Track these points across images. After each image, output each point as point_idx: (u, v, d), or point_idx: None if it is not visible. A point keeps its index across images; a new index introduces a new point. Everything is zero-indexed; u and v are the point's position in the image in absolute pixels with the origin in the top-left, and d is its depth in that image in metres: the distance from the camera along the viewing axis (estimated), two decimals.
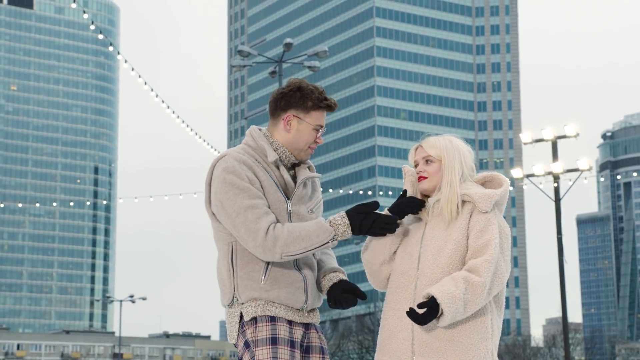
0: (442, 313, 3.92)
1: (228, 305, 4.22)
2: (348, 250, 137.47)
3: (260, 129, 4.30)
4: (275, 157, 4.18)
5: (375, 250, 4.23)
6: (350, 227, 4.12)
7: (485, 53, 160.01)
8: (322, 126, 4.27)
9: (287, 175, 4.22)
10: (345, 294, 4.21)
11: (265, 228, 4.05)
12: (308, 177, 4.26)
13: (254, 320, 4.12)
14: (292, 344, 4.12)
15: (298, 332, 4.18)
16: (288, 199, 4.20)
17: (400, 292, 4.13)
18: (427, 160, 4.23)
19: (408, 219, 4.29)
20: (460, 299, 3.92)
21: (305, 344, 4.21)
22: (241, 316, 4.18)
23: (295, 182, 4.26)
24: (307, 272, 4.21)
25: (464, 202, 4.16)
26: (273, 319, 4.11)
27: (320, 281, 4.29)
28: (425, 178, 4.22)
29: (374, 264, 4.25)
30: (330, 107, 4.27)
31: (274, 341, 4.07)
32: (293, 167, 4.32)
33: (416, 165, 4.27)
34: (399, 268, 4.17)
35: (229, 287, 4.19)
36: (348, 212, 4.15)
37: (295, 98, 4.23)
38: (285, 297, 4.12)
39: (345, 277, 4.31)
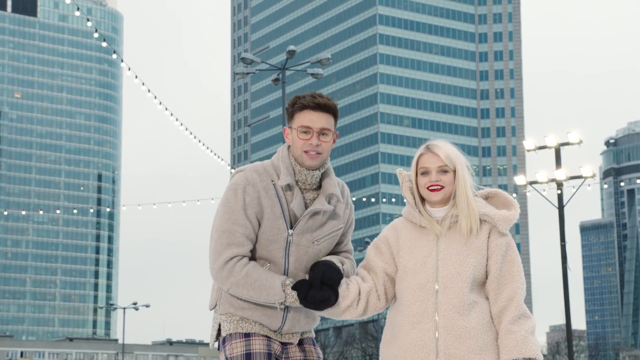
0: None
1: (211, 309, 4.27)
2: None
3: (288, 148, 4.19)
4: (287, 182, 4.08)
5: (376, 308, 4.20)
6: (298, 301, 4.02)
7: (488, 60, 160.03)
8: (308, 127, 4.08)
9: (298, 204, 4.10)
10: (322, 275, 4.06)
11: (229, 257, 4.04)
12: (317, 210, 4.12)
13: (230, 335, 4.12)
14: (269, 356, 4.08)
15: (275, 347, 4.14)
16: (292, 228, 4.11)
17: (419, 306, 4.02)
18: (442, 170, 4.08)
19: (396, 232, 4.18)
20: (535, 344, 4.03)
21: (283, 357, 4.16)
22: (219, 328, 4.20)
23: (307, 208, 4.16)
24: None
25: (481, 220, 4.09)
26: (247, 335, 4.09)
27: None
28: (441, 188, 4.08)
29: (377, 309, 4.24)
30: (313, 106, 4.09)
31: (248, 357, 4.05)
32: (320, 187, 4.19)
33: (423, 173, 4.11)
34: (415, 281, 4.05)
35: (215, 294, 4.24)
36: (304, 296, 4.02)
37: (288, 112, 4.16)
38: (259, 317, 4.09)
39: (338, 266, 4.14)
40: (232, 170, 4.33)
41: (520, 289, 4.04)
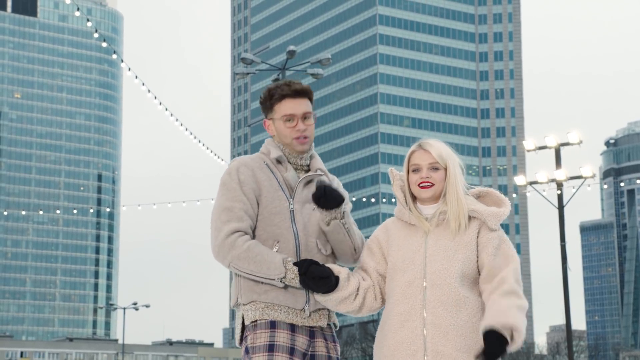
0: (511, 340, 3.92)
1: (234, 307, 4.27)
2: None
3: (272, 139, 4.34)
4: (278, 154, 4.22)
5: (370, 309, 4.19)
6: (298, 278, 4.04)
7: (488, 60, 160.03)
8: (292, 115, 4.22)
9: (292, 175, 4.23)
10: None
11: (229, 231, 4.09)
12: (308, 177, 4.24)
13: (254, 325, 4.11)
14: (291, 351, 4.07)
15: (301, 340, 4.12)
16: (291, 198, 4.20)
17: (407, 303, 4.01)
18: (433, 167, 4.09)
19: (389, 230, 4.19)
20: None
21: (310, 353, 4.15)
22: (243, 320, 4.18)
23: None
24: None
25: (471, 217, 4.07)
26: (273, 325, 4.08)
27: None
28: (432, 185, 4.09)
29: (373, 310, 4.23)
30: (292, 93, 4.23)
31: (271, 348, 4.04)
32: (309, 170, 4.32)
33: (414, 170, 4.13)
34: (403, 279, 4.04)
35: (235, 289, 4.23)
36: (304, 271, 4.04)
37: (264, 105, 4.30)
38: (284, 298, 4.09)
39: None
40: None
41: (512, 273, 3.99)
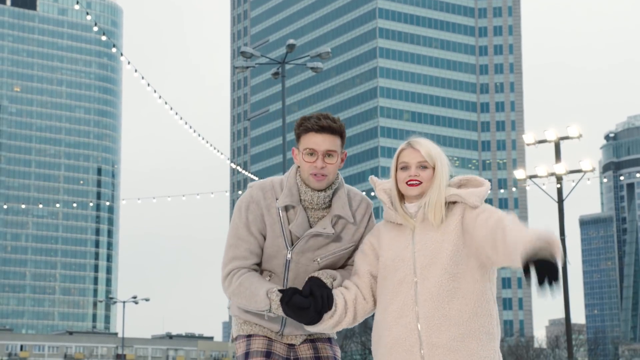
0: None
1: (229, 312, 4.49)
2: None
3: (297, 169, 4.23)
4: (285, 203, 4.13)
5: (365, 313, 4.21)
6: (281, 309, 4.04)
7: (488, 54, 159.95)
8: (313, 149, 4.10)
9: (299, 223, 4.15)
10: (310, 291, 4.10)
11: (229, 270, 4.18)
12: (317, 233, 4.16)
13: (236, 338, 4.33)
14: (268, 354, 4.21)
15: (280, 347, 4.26)
16: (292, 246, 4.18)
17: (400, 299, 4.03)
18: (422, 166, 4.10)
19: (384, 230, 4.20)
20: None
21: (292, 357, 4.27)
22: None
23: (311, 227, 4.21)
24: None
25: (454, 202, 4.09)
26: (249, 336, 4.27)
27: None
28: (419, 184, 4.09)
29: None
30: (318, 129, 4.10)
31: (247, 356, 4.22)
32: (330, 206, 4.22)
33: (403, 167, 4.12)
34: (396, 277, 4.06)
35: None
36: (286, 303, 4.03)
37: (295, 133, 4.18)
38: (259, 321, 4.26)
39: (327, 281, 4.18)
40: (233, 165, 4.43)
41: (503, 214, 3.96)
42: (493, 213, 4.02)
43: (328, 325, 4.14)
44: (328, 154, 4.11)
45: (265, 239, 4.18)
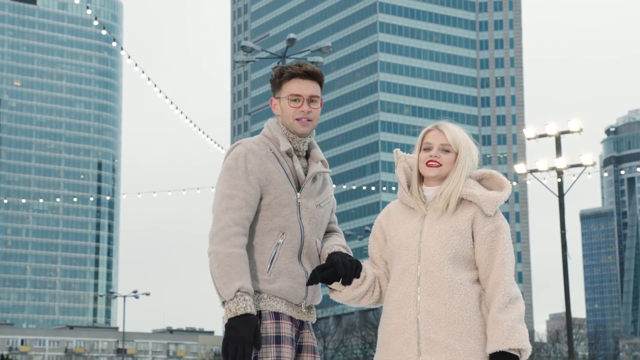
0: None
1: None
2: (350, 246, 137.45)
3: (276, 120, 4.29)
4: (288, 147, 4.17)
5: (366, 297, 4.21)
6: (235, 315, 3.92)
7: (488, 48, 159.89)
8: (298, 95, 4.19)
9: (299, 167, 4.18)
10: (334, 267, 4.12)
11: (228, 222, 4.04)
12: (318, 172, 4.22)
13: (259, 315, 4.09)
14: (292, 342, 4.11)
15: (294, 332, 4.18)
16: (298, 191, 4.18)
17: (403, 290, 4.01)
18: (444, 149, 4.08)
19: (395, 211, 4.19)
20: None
21: (297, 343, 4.19)
22: None
23: (306, 175, 4.23)
24: (309, 268, 4.17)
25: (468, 201, 4.04)
26: (277, 317, 4.08)
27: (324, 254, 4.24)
28: (439, 166, 4.06)
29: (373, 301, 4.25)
30: (301, 74, 4.20)
31: (278, 340, 4.06)
32: (307, 158, 4.28)
33: (426, 149, 4.10)
34: (400, 265, 4.04)
35: None
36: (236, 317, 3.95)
37: (274, 83, 4.27)
38: (287, 291, 4.09)
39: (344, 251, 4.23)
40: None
41: (506, 274, 3.96)
42: (497, 246, 4.01)
43: (357, 293, 4.14)
44: (312, 99, 4.21)
45: (262, 194, 4.11)
